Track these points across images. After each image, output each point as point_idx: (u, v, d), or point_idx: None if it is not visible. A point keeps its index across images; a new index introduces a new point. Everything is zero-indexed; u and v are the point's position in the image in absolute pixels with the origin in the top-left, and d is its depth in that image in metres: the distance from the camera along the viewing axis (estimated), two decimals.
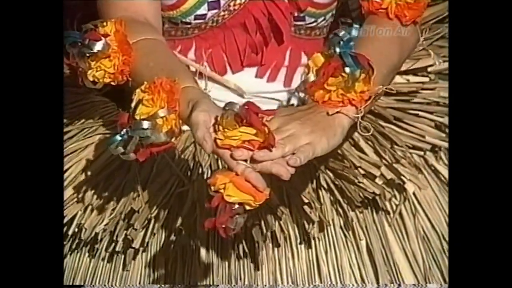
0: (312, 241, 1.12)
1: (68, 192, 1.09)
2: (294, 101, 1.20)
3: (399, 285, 1.13)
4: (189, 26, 1.15)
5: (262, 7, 1.14)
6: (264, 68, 1.17)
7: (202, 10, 1.13)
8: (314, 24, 1.18)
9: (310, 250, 1.12)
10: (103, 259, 1.14)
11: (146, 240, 1.08)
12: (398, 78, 1.16)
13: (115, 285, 1.14)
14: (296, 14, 1.16)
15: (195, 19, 1.14)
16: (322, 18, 1.18)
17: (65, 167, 1.10)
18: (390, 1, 1.02)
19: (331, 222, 1.11)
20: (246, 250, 1.10)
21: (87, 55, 1.00)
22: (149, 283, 1.13)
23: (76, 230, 1.09)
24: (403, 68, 1.17)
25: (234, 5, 1.13)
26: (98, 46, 0.99)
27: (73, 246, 1.14)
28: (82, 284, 1.15)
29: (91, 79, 1.02)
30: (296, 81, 1.19)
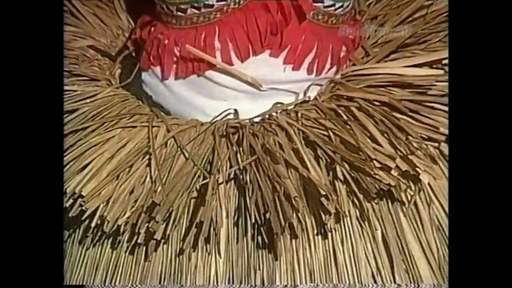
0: (329, 232, 1.14)
1: (91, 185, 1.10)
2: (311, 93, 1.21)
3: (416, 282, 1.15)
4: (211, 9, 1.15)
5: None
6: (280, 49, 1.17)
7: None
8: (332, 8, 1.18)
9: (326, 241, 1.15)
10: (125, 251, 1.17)
11: (168, 232, 1.10)
12: (413, 71, 1.18)
13: (137, 276, 1.17)
14: None
15: (217, 0, 1.15)
16: (340, 4, 1.18)
17: (88, 161, 1.12)
18: None
19: (347, 213, 1.14)
20: (266, 241, 1.13)
21: None
22: (171, 274, 1.15)
23: (99, 222, 1.11)
24: (418, 61, 1.18)
25: None
26: None
27: (96, 239, 1.18)
28: (105, 275, 1.18)
29: None
30: (304, 67, 1.19)
